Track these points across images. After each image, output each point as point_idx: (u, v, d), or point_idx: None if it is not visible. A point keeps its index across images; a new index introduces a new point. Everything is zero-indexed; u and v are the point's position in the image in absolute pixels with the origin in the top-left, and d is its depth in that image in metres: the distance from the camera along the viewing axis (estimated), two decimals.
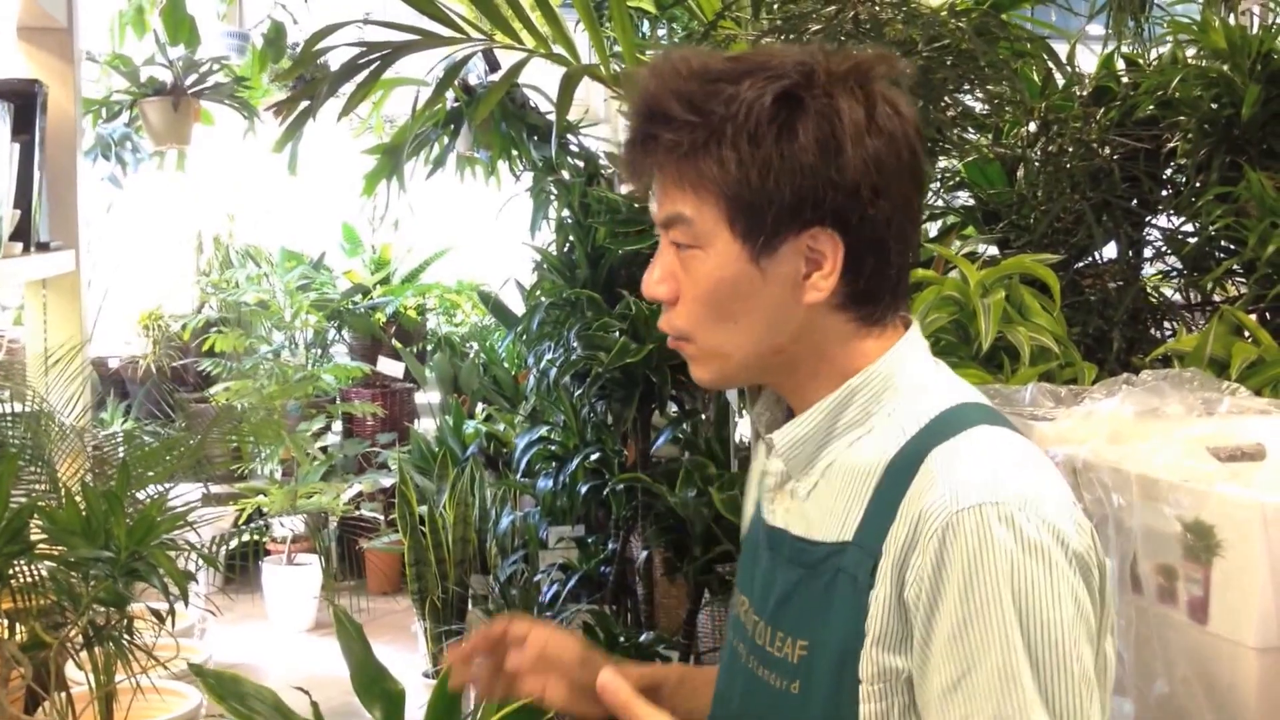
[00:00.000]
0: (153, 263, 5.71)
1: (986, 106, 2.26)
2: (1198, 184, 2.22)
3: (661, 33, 3.49)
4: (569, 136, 3.87)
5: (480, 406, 5.14)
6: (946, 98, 2.16)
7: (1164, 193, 2.38)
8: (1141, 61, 2.52)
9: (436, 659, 3.95)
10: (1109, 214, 2.25)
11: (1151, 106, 2.31)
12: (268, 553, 5.11)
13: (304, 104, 2.53)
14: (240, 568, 4.27)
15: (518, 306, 4.05)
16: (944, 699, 1.00)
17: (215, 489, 4.10)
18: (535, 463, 3.57)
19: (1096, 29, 2.74)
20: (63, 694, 1.92)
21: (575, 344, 3.13)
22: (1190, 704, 1.25)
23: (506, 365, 5.20)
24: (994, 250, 2.29)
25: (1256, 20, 2.64)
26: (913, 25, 2.05)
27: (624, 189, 3.49)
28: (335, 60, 2.54)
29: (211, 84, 4.71)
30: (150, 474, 2.16)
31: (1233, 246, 2.19)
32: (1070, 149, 2.23)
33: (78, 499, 1.71)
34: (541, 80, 3.38)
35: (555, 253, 3.43)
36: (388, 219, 4.87)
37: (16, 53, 2.80)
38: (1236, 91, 2.20)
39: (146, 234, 5.73)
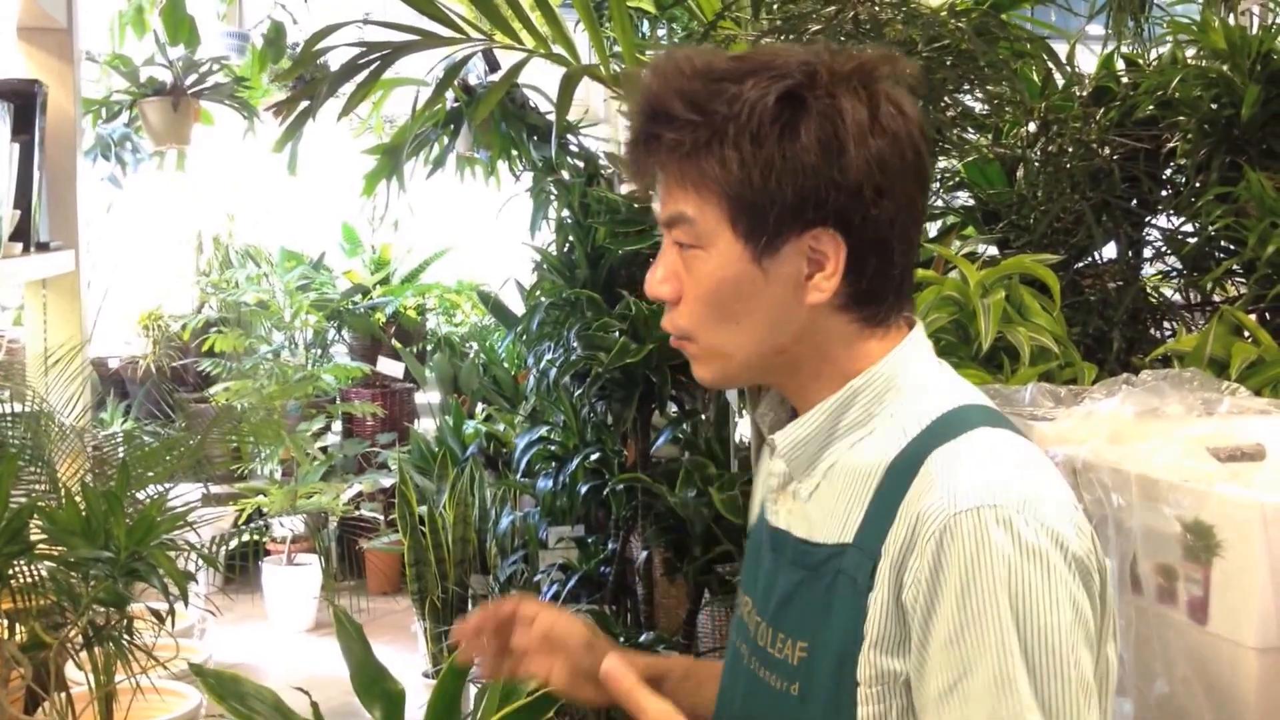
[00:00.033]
0: (152, 263, 5.72)
1: (986, 106, 2.26)
2: (1197, 184, 2.22)
3: (661, 33, 3.49)
4: (569, 136, 3.87)
5: (480, 406, 5.14)
6: (946, 98, 2.16)
7: (1164, 193, 2.38)
8: (1141, 62, 2.52)
9: (436, 659, 3.95)
10: (1109, 214, 2.25)
11: (1151, 107, 2.32)
12: (268, 553, 5.11)
13: (304, 104, 2.53)
14: (240, 568, 4.27)
15: (518, 306, 4.05)
16: (940, 703, 1.00)
17: (215, 489, 4.10)
18: (535, 463, 3.57)
19: (1096, 29, 2.74)
20: (63, 694, 1.92)
21: (575, 344, 3.13)
22: (1190, 704, 1.25)
23: (506, 365, 5.20)
24: (994, 250, 2.29)
25: (1256, 20, 2.64)
26: (913, 25, 2.05)
27: (624, 189, 3.49)
28: (335, 60, 2.53)
29: (211, 84, 4.71)
30: (150, 474, 2.16)
31: (1232, 246, 2.19)
32: (1070, 149, 2.23)
33: (77, 499, 1.71)
34: (541, 80, 3.38)
35: (555, 253, 3.43)
36: (387, 219, 4.87)
37: (16, 53, 2.80)
38: (1236, 92, 2.20)
39: (146, 234, 5.73)
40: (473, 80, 3.95)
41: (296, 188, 5.28)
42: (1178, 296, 2.43)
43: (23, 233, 2.47)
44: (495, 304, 4.50)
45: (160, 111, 4.62)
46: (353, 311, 5.76)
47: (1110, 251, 2.35)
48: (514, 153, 3.92)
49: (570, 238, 3.34)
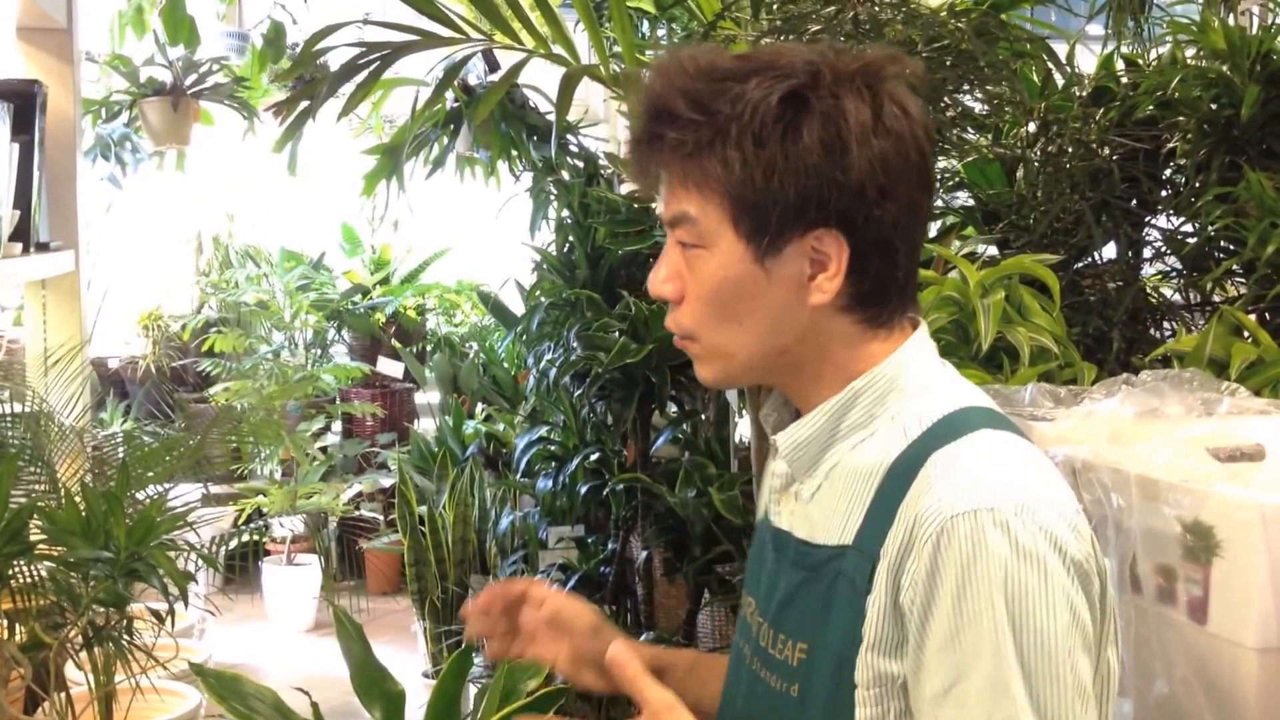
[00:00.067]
0: (152, 263, 5.72)
1: (986, 107, 2.26)
2: (1197, 184, 2.23)
3: (661, 33, 3.49)
4: (568, 137, 3.87)
5: (480, 406, 5.14)
6: (946, 98, 2.16)
7: (1163, 193, 2.38)
8: (1141, 62, 2.52)
9: (436, 659, 3.95)
10: (1108, 214, 2.25)
11: (1151, 107, 2.32)
12: (267, 553, 5.11)
13: (303, 104, 2.53)
14: (240, 568, 4.26)
15: (517, 307, 4.05)
16: (935, 706, 1.00)
17: (215, 489, 4.10)
18: (535, 463, 3.57)
19: (1096, 29, 2.74)
20: (62, 694, 1.92)
21: (575, 344, 3.13)
22: (1190, 704, 1.25)
23: (506, 365, 5.20)
24: (993, 250, 2.29)
25: (1256, 20, 2.64)
26: (912, 25, 2.05)
27: (624, 189, 3.49)
28: (335, 60, 2.53)
29: (211, 84, 4.71)
30: (150, 474, 2.16)
31: (1232, 247, 2.19)
32: (1070, 149, 2.23)
33: (77, 499, 1.71)
34: (541, 80, 3.38)
35: (555, 253, 3.43)
36: (387, 219, 4.87)
37: (16, 53, 2.80)
38: (1236, 92, 2.20)
39: (146, 234, 5.73)
40: (473, 80, 3.94)
41: (296, 188, 5.28)
42: (1177, 297, 2.43)
43: (22, 233, 2.47)
44: (495, 304, 4.50)
45: (160, 111, 4.62)
46: (352, 312, 5.76)
47: (1110, 251, 2.35)
48: (514, 153, 3.92)
49: (570, 238, 3.34)
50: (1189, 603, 1.25)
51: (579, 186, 3.38)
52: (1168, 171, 2.36)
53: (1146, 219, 2.39)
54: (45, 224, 2.68)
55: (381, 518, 5.15)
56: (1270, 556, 1.17)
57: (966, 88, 2.19)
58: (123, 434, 2.74)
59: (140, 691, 2.00)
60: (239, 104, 4.79)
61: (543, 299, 3.38)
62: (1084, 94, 2.38)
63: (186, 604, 1.82)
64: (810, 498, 1.13)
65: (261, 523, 4.87)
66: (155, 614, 1.92)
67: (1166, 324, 2.33)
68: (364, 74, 2.28)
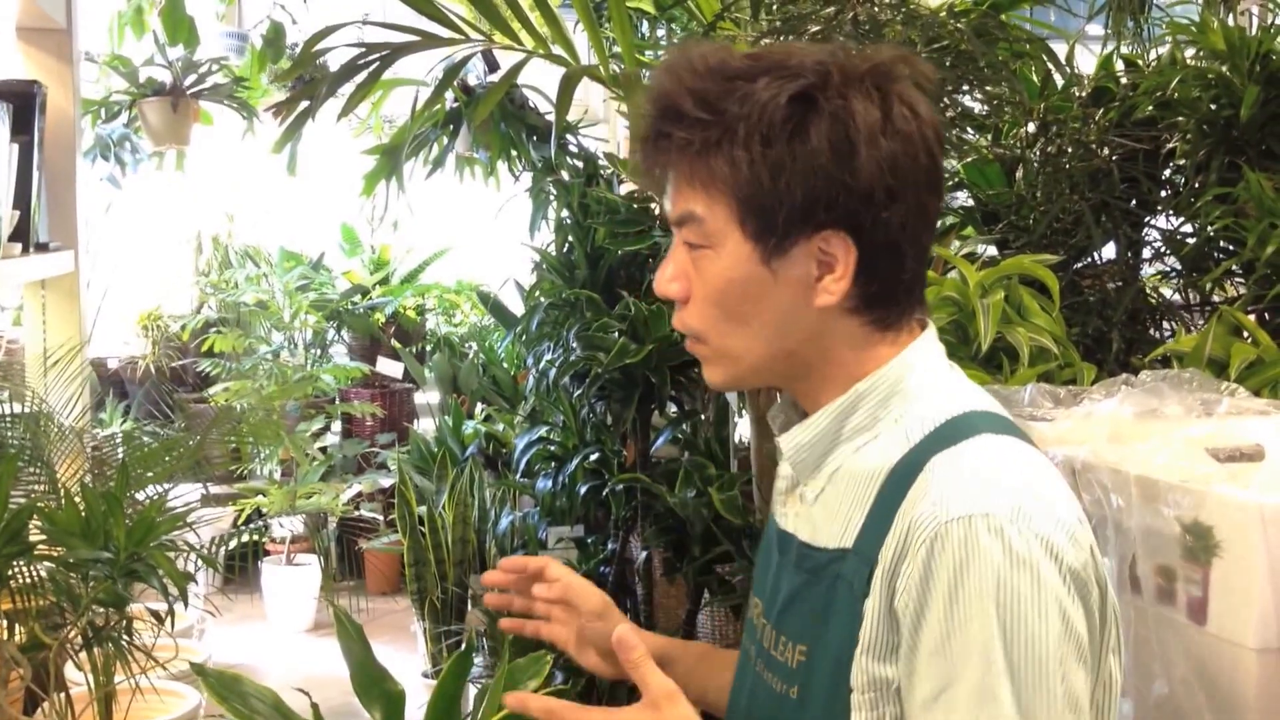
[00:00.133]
0: (152, 263, 5.71)
1: (985, 107, 2.27)
2: (1196, 185, 2.23)
3: (661, 33, 3.49)
4: (568, 137, 3.87)
5: (480, 407, 5.14)
6: (945, 98, 2.16)
7: (1163, 193, 2.38)
8: (1140, 62, 2.52)
9: (436, 659, 3.95)
10: (1108, 215, 2.25)
11: (1150, 107, 2.32)
12: (267, 553, 5.11)
13: (303, 104, 2.53)
14: (240, 568, 4.25)
15: (517, 307, 4.05)
16: (925, 711, 0.99)
17: (215, 489, 4.10)
18: (535, 463, 3.57)
19: (1096, 29, 2.74)
20: (62, 695, 1.92)
21: (575, 344, 3.13)
22: (1189, 705, 1.25)
23: (506, 365, 5.19)
24: (993, 251, 2.29)
25: (1255, 21, 2.64)
26: (912, 26, 2.05)
27: (623, 189, 3.49)
28: (334, 61, 2.53)
29: (210, 84, 4.71)
30: (149, 475, 2.16)
31: (1231, 247, 2.20)
32: (1069, 150, 2.23)
33: (77, 500, 1.71)
34: (541, 80, 3.38)
35: (554, 253, 3.43)
36: (387, 219, 4.87)
37: (15, 53, 2.80)
38: (1235, 92, 2.20)
39: (145, 234, 5.73)
40: (472, 80, 3.94)
41: (296, 188, 5.28)
42: (1177, 297, 2.43)
43: (22, 233, 2.47)
44: (495, 304, 4.50)
45: (159, 112, 4.62)
46: (352, 312, 5.76)
47: (1109, 252, 2.35)
48: (513, 153, 3.92)
49: (570, 238, 3.34)
50: (1188, 603, 1.25)
51: (578, 187, 3.38)
52: (1167, 172, 2.37)
53: (1146, 219, 2.40)
54: (45, 224, 2.68)
55: (381, 518, 5.15)
56: (1270, 557, 1.17)
57: (966, 88, 2.19)
58: (122, 434, 2.74)
59: (140, 692, 2.00)
60: (238, 104, 4.79)
61: (542, 299, 3.37)
62: (1083, 94, 2.38)
63: (186, 604, 1.82)
64: (814, 500, 1.13)
65: (261, 523, 4.86)
66: (155, 614, 1.92)
67: (1166, 324, 2.33)
68: (363, 74, 2.28)
